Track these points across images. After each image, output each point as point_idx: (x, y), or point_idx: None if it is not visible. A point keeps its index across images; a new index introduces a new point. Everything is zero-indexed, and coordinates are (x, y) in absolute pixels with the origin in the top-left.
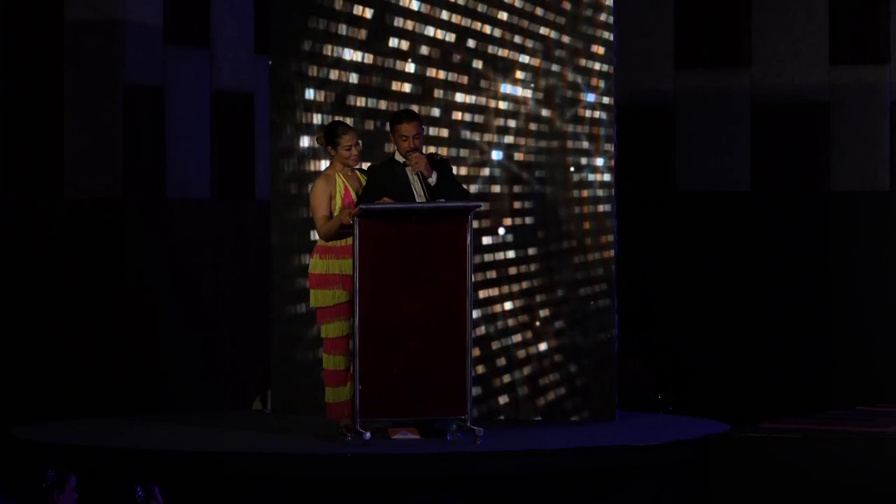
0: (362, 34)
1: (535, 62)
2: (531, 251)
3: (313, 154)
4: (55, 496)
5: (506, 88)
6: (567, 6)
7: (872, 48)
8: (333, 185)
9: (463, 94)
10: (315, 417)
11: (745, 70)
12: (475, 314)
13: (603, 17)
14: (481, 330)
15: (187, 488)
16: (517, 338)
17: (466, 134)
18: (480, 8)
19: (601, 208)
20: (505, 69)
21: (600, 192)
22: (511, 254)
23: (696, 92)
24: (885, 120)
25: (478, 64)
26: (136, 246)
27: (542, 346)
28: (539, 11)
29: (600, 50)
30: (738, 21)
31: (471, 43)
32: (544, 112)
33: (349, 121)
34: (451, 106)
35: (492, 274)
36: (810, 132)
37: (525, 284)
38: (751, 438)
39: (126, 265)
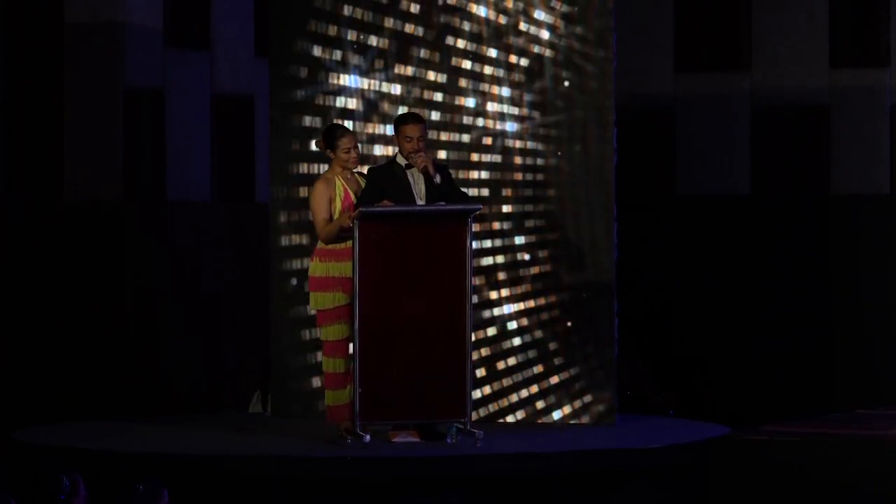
0: (363, 37)
1: (535, 65)
2: (531, 254)
3: (313, 157)
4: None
5: (505, 91)
6: (567, 9)
7: (873, 51)
8: (333, 188)
9: (462, 97)
10: (315, 420)
11: (745, 73)
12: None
13: (603, 19)
14: (481, 333)
15: (187, 491)
16: (517, 341)
17: (465, 138)
18: (479, 10)
19: (601, 211)
20: (504, 72)
21: (600, 195)
22: (511, 257)
23: (697, 95)
24: (885, 123)
25: (477, 67)
26: (136, 248)
27: (543, 350)
28: (539, 14)
29: (600, 52)
30: (738, 24)
31: (470, 46)
32: (543, 115)
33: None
34: (452, 109)
35: (492, 277)
36: (810, 135)
37: (525, 288)
38: (751, 441)
39: (126, 268)
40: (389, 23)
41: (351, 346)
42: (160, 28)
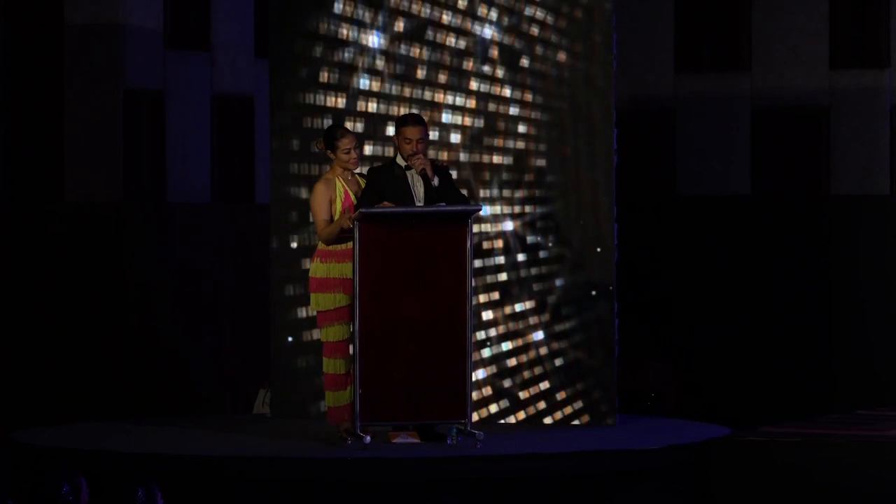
0: (363, 37)
1: (536, 66)
2: (532, 255)
3: (313, 158)
4: None
5: (506, 92)
6: (567, 10)
7: (872, 52)
8: (333, 190)
9: (463, 97)
10: (315, 421)
11: (745, 74)
12: (475, 318)
13: (603, 21)
14: (481, 334)
15: (187, 492)
16: (517, 342)
17: (467, 139)
18: (481, 11)
19: (602, 212)
20: (506, 73)
21: (601, 196)
22: (512, 258)
23: (697, 96)
24: (885, 124)
25: (478, 66)
26: (137, 250)
27: (543, 350)
28: (539, 16)
29: (601, 54)
30: (738, 25)
31: (470, 46)
32: (544, 117)
33: (348, 124)
34: (453, 109)
35: (492, 278)
36: (810, 136)
37: (526, 288)
38: (751, 442)
39: (126, 269)
40: (392, 23)
41: (351, 347)
42: (160, 29)
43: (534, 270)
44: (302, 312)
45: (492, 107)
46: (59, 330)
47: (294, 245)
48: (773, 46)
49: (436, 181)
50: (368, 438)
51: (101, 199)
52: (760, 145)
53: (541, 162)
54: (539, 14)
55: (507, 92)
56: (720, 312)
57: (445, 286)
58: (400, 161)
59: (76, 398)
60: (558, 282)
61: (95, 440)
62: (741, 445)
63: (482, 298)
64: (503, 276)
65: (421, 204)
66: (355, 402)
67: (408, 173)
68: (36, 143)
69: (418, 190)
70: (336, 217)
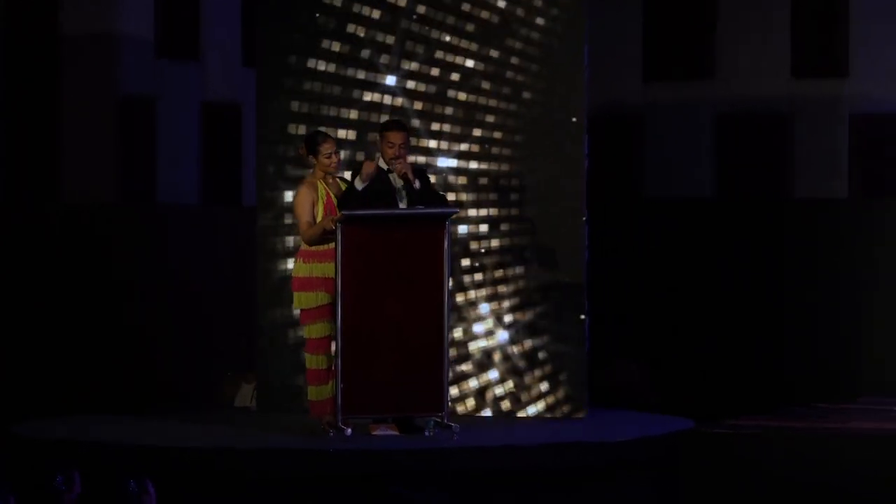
0: (347, 48)
1: (509, 75)
2: (505, 256)
3: (297, 162)
4: (66, 499)
5: (480, 100)
6: (539, 21)
7: (833, 62)
8: (316, 193)
9: (441, 105)
10: (298, 415)
11: (710, 82)
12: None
13: (574, 32)
14: (458, 331)
15: (172, 483)
16: (492, 338)
17: (444, 144)
18: (455, 22)
19: (572, 215)
20: (479, 82)
21: (572, 200)
22: (486, 259)
23: (664, 103)
24: (844, 131)
25: (453, 76)
26: (129, 249)
27: (516, 347)
28: (514, 27)
29: (572, 64)
30: (703, 36)
31: (447, 56)
32: (517, 123)
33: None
34: (429, 115)
35: (467, 277)
36: (773, 142)
37: (500, 288)
38: (716, 434)
39: (118, 267)
40: (374, 34)
41: (333, 343)
42: (152, 39)
43: (511, 274)
44: (286, 310)
45: (478, 115)
46: (53, 327)
47: (278, 246)
48: (738, 56)
49: (417, 184)
50: (349, 431)
51: (95, 200)
52: (725, 151)
53: (515, 167)
54: (514, 25)
55: (483, 101)
56: (685, 311)
57: (424, 285)
58: (382, 164)
59: (70, 393)
60: (531, 282)
61: (87, 433)
62: (706, 437)
63: (458, 296)
64: (481, 275)
65: (404, 205)
66: (337, 396)
67: (389, 176)
68: (34, 146)
69: (401, 192)
70: (318, 219)
